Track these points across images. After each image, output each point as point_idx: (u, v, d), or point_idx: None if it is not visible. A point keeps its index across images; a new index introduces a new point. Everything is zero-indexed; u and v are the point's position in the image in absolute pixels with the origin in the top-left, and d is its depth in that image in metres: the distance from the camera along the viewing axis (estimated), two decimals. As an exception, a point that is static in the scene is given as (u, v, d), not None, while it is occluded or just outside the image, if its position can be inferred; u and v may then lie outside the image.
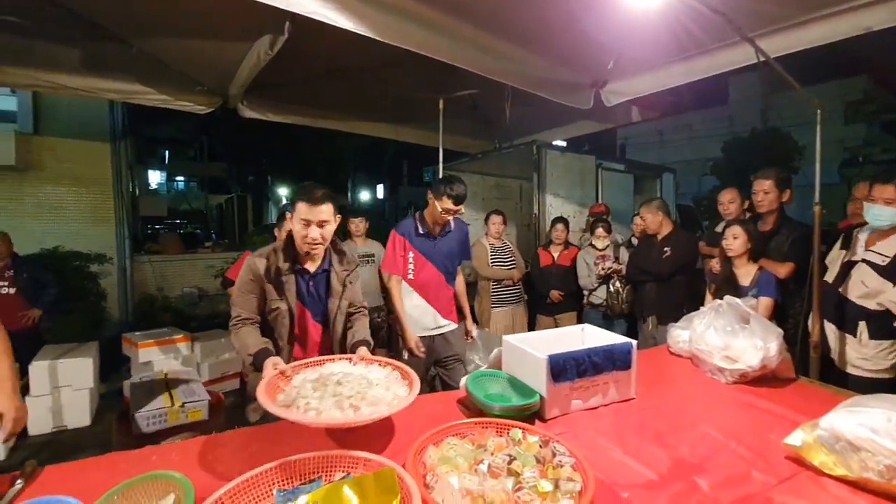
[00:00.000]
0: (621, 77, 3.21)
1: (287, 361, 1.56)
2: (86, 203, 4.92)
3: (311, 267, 1.71)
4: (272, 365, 1.40)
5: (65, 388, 3.13)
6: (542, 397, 1.40)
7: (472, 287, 3.99)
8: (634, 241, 4.06)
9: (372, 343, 1.62)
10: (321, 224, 1.59)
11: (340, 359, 1.50)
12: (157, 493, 0.88)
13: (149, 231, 8.63)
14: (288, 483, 0.96)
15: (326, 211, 1.59)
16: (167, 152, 15.62)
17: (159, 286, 5.66)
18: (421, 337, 2.51)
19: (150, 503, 0.86)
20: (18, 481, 1.03)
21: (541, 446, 1.15)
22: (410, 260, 2.50)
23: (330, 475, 0.99)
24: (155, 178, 15.30)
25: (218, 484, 0.90)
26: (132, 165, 5.98)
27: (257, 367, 1.47)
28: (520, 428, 1.23)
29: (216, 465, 1.10)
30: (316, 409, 1.14)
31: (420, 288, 2.52)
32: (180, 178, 18.18)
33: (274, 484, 0.95)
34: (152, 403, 1.91)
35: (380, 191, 23.60)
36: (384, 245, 4.09)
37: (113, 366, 3.72)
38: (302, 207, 1.58)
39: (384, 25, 2.02)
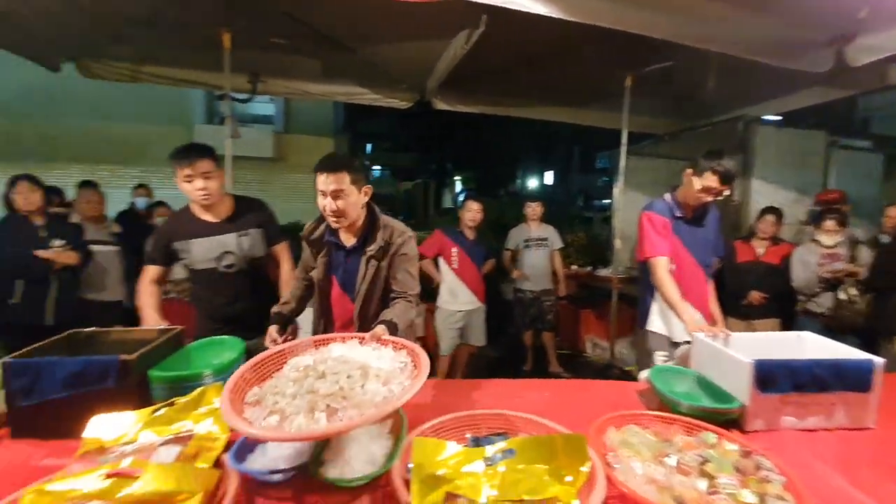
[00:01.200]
0: (879, 27, 2.49)
1: (317, 334, 1.63)
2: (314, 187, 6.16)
3: (346, 241, 1.63)
4: (270, 338, 1.47)
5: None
6: (742, 405, 1.25)
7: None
8: (884, 238, 3.17)
9: (399, 326, 1.38)
10: (335, 194, 1.49)
11: (350, 337, 1.29)
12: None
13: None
14: (478, 431, 1.09)
15: (339, 180, 1.48)
16: (369, 145, 18.22)
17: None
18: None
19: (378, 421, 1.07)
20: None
21: (741, 456, 1.05)
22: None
23: (514, 433, 1.08)
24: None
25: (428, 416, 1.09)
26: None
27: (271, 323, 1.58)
28: (713, 432, 1.13)
29: (418, 407, 1.30)
30: (281, 411, 0.95)
31: (678, 282, 2.02)
32: (377, 167, 20.96)
33: (466, 429, 1.09)
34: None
35: (549, 177, 23.22)
36: (558, 230, 4.10)
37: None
38: (318, 178, 1.50)
39: (577, 5, 1.99)
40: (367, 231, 1.63)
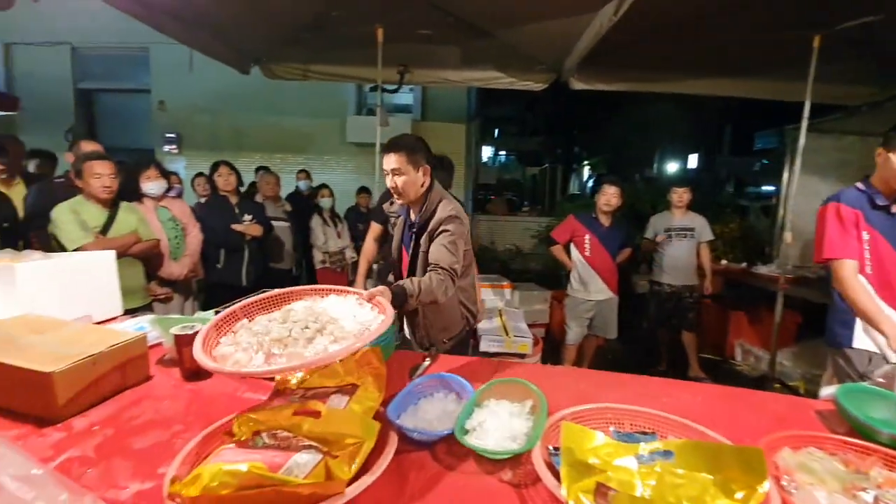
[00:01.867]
0: None
1: None
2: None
3: (413, 216, 1.76)
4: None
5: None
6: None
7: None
8: None
9: (409, 292, 1.40)
10: (395, 172, 1.66)
11: (354, 293, 1.21)
12: (519, 395, 1.12)
13: (479, 196, 10.37)
14: (622, 426, 1.05)
15: (394, 160, 1.65)
16: (497, 130, 18.23)
17: (492, 240, 6.91)
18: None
19: (516, 399, 1.10)
20: (427, 360, 1.50)
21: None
22: (865, 244, 1.75)
23: (664, 435, 1.01)
24: (486, 152, 18.24)
25: (565, 403, 1.07)
26: (477, 142, 7.34)
27: None
28: (929, 473, 0.92)
29: (556, 390, 1.29)
30: (240, 347, 1.01)
31: (881, 286, 1.72)
32: (502, 152, 20.87)
33: (609, 422, 1.05)
34: (492, 330, 2.38)
35: (692, 161, 20.45)
36: (708, 219, 3.64)
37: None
38: (383, 157, 1.69)
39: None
40: (428, 209, 1.74)
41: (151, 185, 2.69)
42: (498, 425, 1.02)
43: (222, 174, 3.17)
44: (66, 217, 2.20)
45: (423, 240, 1.72)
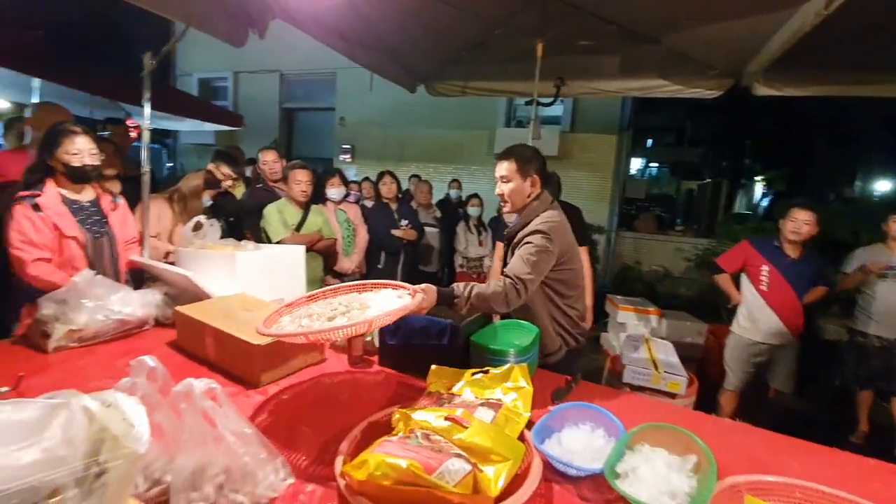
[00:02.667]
0: None
1: None
2: (593, 184, 6.16)
3: None
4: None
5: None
6: None
7: None
8: None
9: (460, 295, 1.42)
10: (503, 179, 1.71)
11: (404, 288, 1.39)
12: (679, 446, 1.01)
13: (625, 211, 9.67)
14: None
15: (504, 167, 1.70)
16: (650, 140, 16.76)
17: (637, 260, 6.38)
18: None
19: (676, 450, 1.00)
20: (572, 384, 1.45)
21: None
22: None
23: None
24: (637, 163, 16.92)
25: (737, 467, 0.94)
26: (629, 153, 6.86)
27: None
28: None
29: (723, 448, 1.13)
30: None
31: None
32: (653, 163, 19.12)
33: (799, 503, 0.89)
34: (639, 361, 2.20)
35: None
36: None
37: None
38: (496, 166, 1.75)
39: None
40: (524, 220, 1.72)
41: (334, 190, 3.17)
42: (654, 476, 0.93)
43: (386, 182, 3.54)
44: (273, 215, 2.73)
45: (510, 249, 1.73)
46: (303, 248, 2.22)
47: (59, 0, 4.36)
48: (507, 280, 1.53)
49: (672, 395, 2.18)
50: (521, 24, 3.21)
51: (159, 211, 2.28)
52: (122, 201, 1.98)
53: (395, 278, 3.37)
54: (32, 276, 1.66)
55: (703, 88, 3.63)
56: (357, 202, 3.71)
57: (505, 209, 1.82)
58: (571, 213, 2.64)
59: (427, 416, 1.04)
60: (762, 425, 1.29)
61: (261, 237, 2.72)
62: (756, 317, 2.78)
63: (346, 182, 3.26)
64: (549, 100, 3.67)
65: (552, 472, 1.02)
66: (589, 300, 2.68)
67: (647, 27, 3.23)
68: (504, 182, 1.72)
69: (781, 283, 2.69)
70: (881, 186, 16.67)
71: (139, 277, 2.09)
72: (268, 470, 0.93)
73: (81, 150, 1.75)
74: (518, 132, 6.03)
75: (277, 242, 2.63)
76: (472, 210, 4.14)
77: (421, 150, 6.76)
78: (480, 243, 4.07)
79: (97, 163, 1.84)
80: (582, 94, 4.28)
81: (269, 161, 3.19)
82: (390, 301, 1.31)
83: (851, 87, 3.26)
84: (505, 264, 1.72)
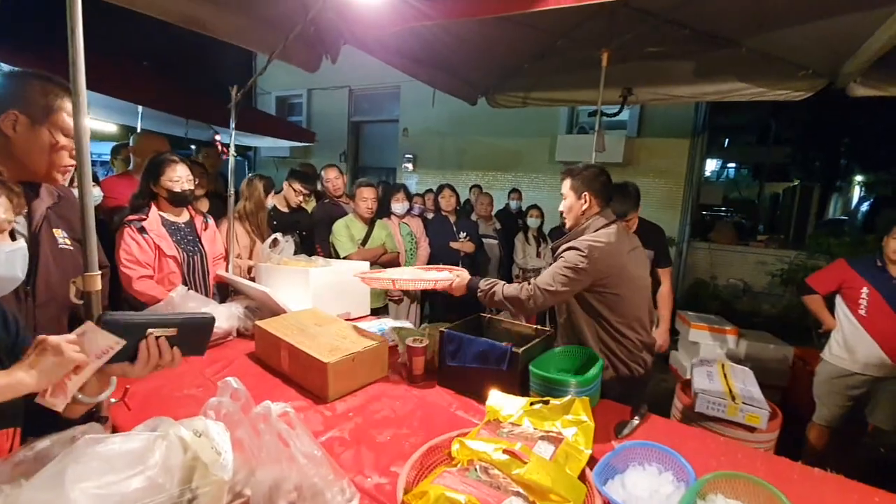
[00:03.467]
0: None
1: None
2: (661, 191, 5.82)
3: None
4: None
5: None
6: None
7: None
8: None
9: (479, 282, 1.75)
10: (563, 195, 1.84)
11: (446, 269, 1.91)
12: (761, 500, 0.94)
13: (698, 218, 9.06)
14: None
15: (563, 184, 1.83)
16: (727, 139, 15.55)
17: (712, 273, 5.95)
18: None
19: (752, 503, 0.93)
20: (636, 418, 1.40)
21: None
22: None
23: None
24: (711, 165, 15.79)
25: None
26: (703, 158, 6.42)
27: None
28: None
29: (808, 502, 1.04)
30: None
31: None
32: (731, 164, 17.71)
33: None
34: (714, 389, 2.06)
35: None
36: None
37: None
38: None
39: None
40: (570, 236, 1.78)
41: (399, 205, 3.29)
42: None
43: (445, 196, 3.61)
44: (341, 231, 2.91)
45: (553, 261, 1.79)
46: (367, 264, 2.32)
47: (157, 33, 4.89)
48: (529, 287, 1.66)
49: (751, 429, 2.01)
50: (585, 33, 3.14)
51: (235, 230, 2.48)
52: (211, 221, 2.19)
53: None
54: (137, 291, 1.88)
55: (791, 90, 3.34)
56: (420, 215, 3.80)
57: (566, 225, 1.87)
58: (652, 233, 2.59)
59: (485, 446, 1.06)
60: (857, 468, 1.16)
61: (330, 251, 2.89)
62: (853, 345, 2.49)
63: (409, 196, 3.37)
64: (615, 109, 3.54)
65: (615, 515, 0.99)
66: (664, 324, 2.58)
67: (726, 29, 3.03)
68: (564, 199, 1.84)
69: (884, 308, 2.39)
70: None
71: (224, 290, 2.30)
72: (335, 490, 0.99)
73: (181, 177, 1.97)
74: (580, 139, 5.86)
75: (345, 257, 2.77)
76: (532, 221, 4.09)
77: (481, 158, 6.78)
78: (539, 255, 4.01)
79: (192, 187, 2.06)
80: (650, 102, 4.08)
81: (332, 178, 3.37)
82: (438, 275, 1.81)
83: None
84: None
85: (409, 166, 7.23)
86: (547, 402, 1.27)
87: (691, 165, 5.94)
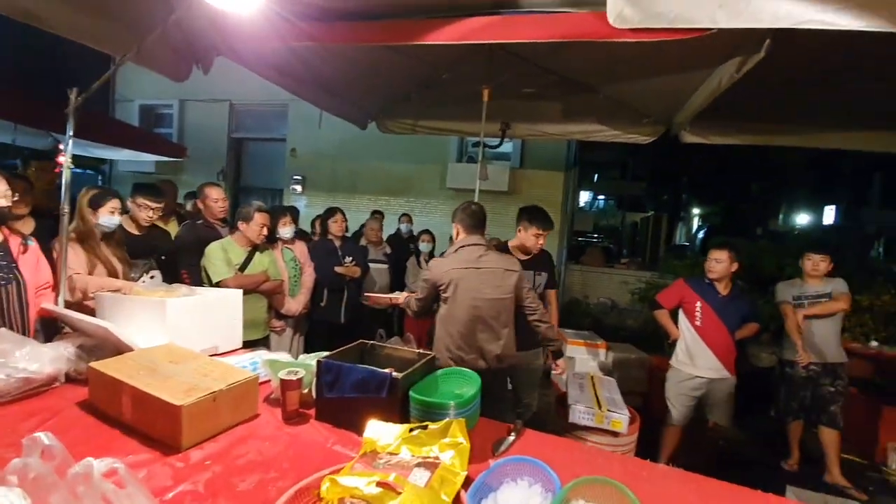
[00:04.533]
0: None
1: None
2: (542, 219, 6.38)
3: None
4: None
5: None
6: None
7: None
8: None
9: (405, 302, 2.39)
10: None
11: None
12: (614, 501, 1.01)
13: (573, 243, 10.03)
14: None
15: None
16: (596, 174, 17.69)
17: (584, 293, 6.57)
18: None
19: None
20: (512, 434, 1.44)
21: None
22: None
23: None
24: (584, 197, 17.75)
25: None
26: (575, 189, 7.18)
27: None
28: None
29: (656, 499, 1.15)
30: None
31: None
32: (601, 196, 20.11)
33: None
34: (585, 400, 2.23)
35: (828, 214, 17.52)
36: (851, 289, 3.05)
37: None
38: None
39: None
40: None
41: (286, 230, 3.08)
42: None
43: (338, 220, 3.48)
44: (216, 254, 2.61)
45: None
46: (240, 292, 2.12)
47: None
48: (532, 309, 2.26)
49: (615, 434, 2.21)
50: (468, 69, 3.34)
51: (73, 252, 2.09)
52: (33, 244, 1.82)
53: (338, 315, 3.30)
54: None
55: (639, 135, 3.90)
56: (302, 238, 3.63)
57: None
58: (546, 258, 2.81)
59: (357, 481, 1.00)
60: (703, 461, 1.32)
61: (201, 277, 2.58)
62: (693, 352, 2.90)
63: (296, 219, 3.20)
64: (496, 141, 3.80)
65: (488, 535, 0.99)
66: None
67: (586, 77, 3.45)
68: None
69: (714, 319, 2.84)
70: (801, 220, 18.33)
71: (53, 326, 1.91)
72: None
73: (-8, 192, 1.62)
74: (470, 167, 6.17)
75: (217, 283, 2.50)
76: (423, 246, 4.15)
77: (373, 182, 6.77)
78: (430, 279, 4.06)
79: (9, 203, 1.69)
80: (528, 137, 4.47)
81: (217, 199, 3.06)
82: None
83: (769, 137, 3.63)
84: None
85: (298, 188, 6.92)
86: (426, 427, 1.24)
87: (566, 195, 6.60)
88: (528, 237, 2.56)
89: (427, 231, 4.27)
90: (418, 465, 1.10)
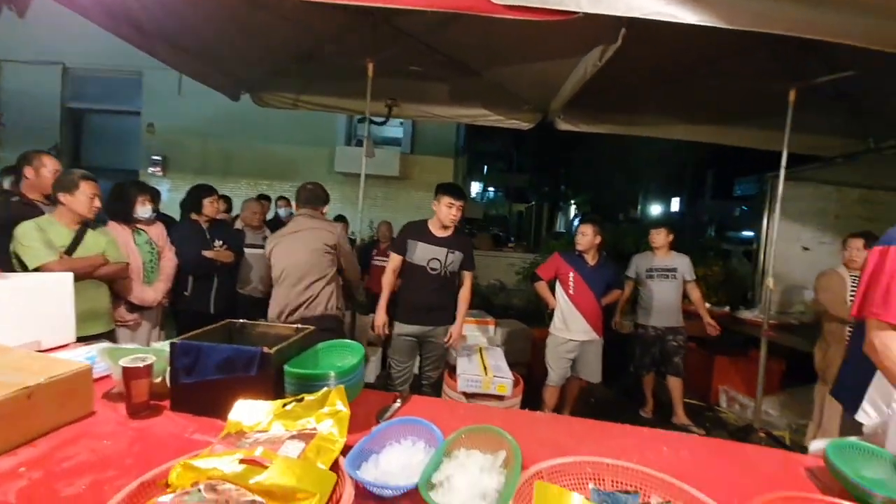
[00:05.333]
0: None
1: None
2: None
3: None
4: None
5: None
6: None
7: (815, 330, 3.07)
8: None
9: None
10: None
11: None
12: (492, 445, 1.03)
13: (467, 231, 10.40)
14: (602, 483, 0.97)
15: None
16: (486, 166, 18.58)
17: (476, 275, 6.81)
18: None
19: (489, 450, 1.02)
20: (398, 401, 1.41)
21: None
22: None
23: (647, 494, 0.94)
24: (475, 188, 18.51)
25: (542, 454, 0.99)
26: (465, 177, 7.40)
27: None
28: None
29: (533, 440, 1.20)
30: None
31: None
32: (491, 188, 21.21)
33: (589, 478, 0.97)
34: (472, 369, 2.29)
35: (675, 204, 21.06)
36: (692, 261, 3.63)
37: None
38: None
39: (740, 10, 1.76)
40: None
41: (144, 209, 2.64)
42: (467, 481, 0.93)
43: (214, 201, 3.09)
44: (31, 234, 2.10)
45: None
46: (70, 277, 1.75)
47: None
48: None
49: (501, 398, 2.32)
50: (353, 42, 3.20)
51: None
52: None
53: (207, 305, 2.97)
54: None
55: (520, 120, 4.12)
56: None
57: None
58: (464, 240, 2.87)
59: (217, 462, 0.87)
60: (578, 412, 1.43)
61: (11, 265, 2.08)
62: (568, 318, 3.18)
63: (155, 198, 2.77)
64: (383, 119, 3.72)
65: (368, 498, 0.94)
66: (459, 319, 2.77)
67: (471, 61, 3.54)
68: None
69: (584, 287, 3.15)
70: (654, 209, 21.49)
71: None
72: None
73: None
74: (358, 151, 5.96)
75: (37, 268, 2.04)
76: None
77: (251, 164, 6.21)
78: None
79: None
80: (415, 117, 4.47)
81: (50, 168, 2.48)
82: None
83: (632, 128, 4.05)
84: None
85: (158, 170, 6.07)
86: (301, 400, 1.15)
87: (456, 181, 6.78)
88: (441, 208, 2.61)
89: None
90: (291, 437, 1.01)
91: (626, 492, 0.94)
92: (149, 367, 1.28)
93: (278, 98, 3.88)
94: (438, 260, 2.61)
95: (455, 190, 2.65)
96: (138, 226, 2.67)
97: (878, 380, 1.43)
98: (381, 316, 2.66)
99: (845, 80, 2.80)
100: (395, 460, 1.02)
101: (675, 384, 3.57)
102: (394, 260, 2.70)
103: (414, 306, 2.64)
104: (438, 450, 1.00)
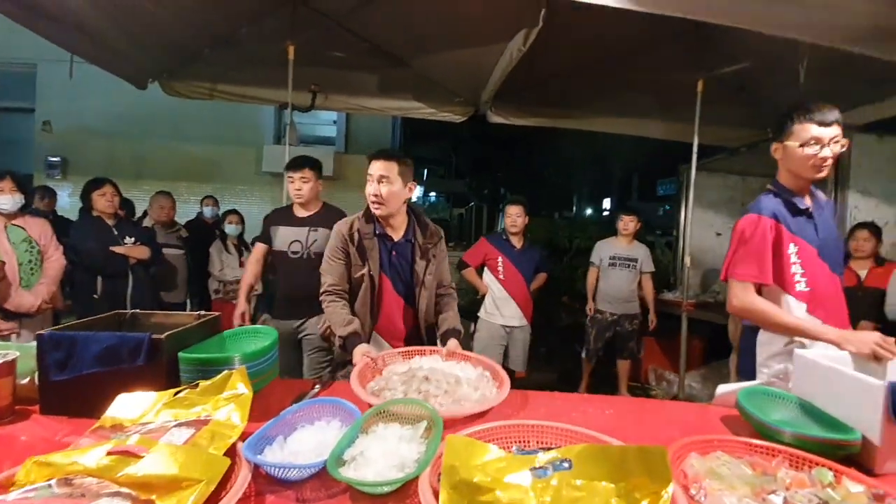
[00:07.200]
0: None
1: (369, 333, 1.65)
2: (370, 205, 6.29)
3: (393, 235, 1.68)
4: (362, 354, 1.40)
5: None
6: (865, 438, 0.99)
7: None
8: None
9: (462, 332, 1.62)
10: (381, 179, 1.58)
11: (432, 352, 1.47)
12: (413, 417, 0.97)
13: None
14: (527, 444, 0.93)
15: (388, 168, 1.58)
16: (425, 171, 18.64)
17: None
18: None
19: (409, 422, 0.95)
20: (317, 386, 1.31)
21: (873, 500, 0.80)
22: (793, 257, 1.44)
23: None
24: (416, 192, 18.54)
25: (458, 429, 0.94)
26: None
27: (346, 349, 1.50)
28: (829, 468, 0.89)
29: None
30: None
31: (816, 305, 1.46)
32: (431, 193, 21.31)
33: (514, 441, 0.93)
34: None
35: (606, 204, 22.52)
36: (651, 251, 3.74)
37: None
38: (371, 165, 1.62)
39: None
40: (414, 227, 1.71)
41: (6, 198, 2.29)
42: (384, 452, 0.85)
43: (106, 193, 2.76)
44: None
45: (429, 256, 1.70)
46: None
47: None
48: (454, 290, 1.88)
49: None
50: (271, 25, 3.03)
51: None
52: None
53: (122, 307, 2.65)
54: None
55: (451, 113, 4.09)
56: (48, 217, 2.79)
57: (378, 212, 1.64)
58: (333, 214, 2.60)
59: (79, 457, 0.73)
60: None
61: None
62: (499, 303, 3.18)
63: (22, 188, 2.39)
64: (307, 108, 3.56)
65: (273, 483, 0.84)
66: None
67: (396, 50, 3.47)
68: (383, 183, 1.60)
69: (514, 271, 3.16)
70: (587, 210, 22.77)
71: None
72: None
73: None
74: (290, 150, 5.73)
75: None
76: (230, 228, 3.65)
77: (166, 166, 5.68)
78: (241, 264, 3.59)
79: None
80: (343, 109, 4.32)
81: None
82: (461, 370, 1.36)
83: (557, 120, 4.14)
84: (410, 274, 1.82)
85: (57, 173, 5.43)
86: (196, 386, 1.01)
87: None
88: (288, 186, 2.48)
89: (234, 211, 3.76)
90: (178, 425, 0.88)
91: (549, 448, 0.91)
92: (10, 365, 1.08)
93: (192, 88, 3.57)
94: (299, 241, 2.33)
95: (291, 163, 2.39)
96: (13, 222, 2.32)
97: (760, 346, 1.56)
98: (240, 305, 2.39)
99: (747, 74, 3.05)
100: (307, 441, 0.92)
101: (623, 366, 3.66)
102: (256, 250, 2.45)
103: (281, 299, 2.40)
104: (353, 425, 0.91)
